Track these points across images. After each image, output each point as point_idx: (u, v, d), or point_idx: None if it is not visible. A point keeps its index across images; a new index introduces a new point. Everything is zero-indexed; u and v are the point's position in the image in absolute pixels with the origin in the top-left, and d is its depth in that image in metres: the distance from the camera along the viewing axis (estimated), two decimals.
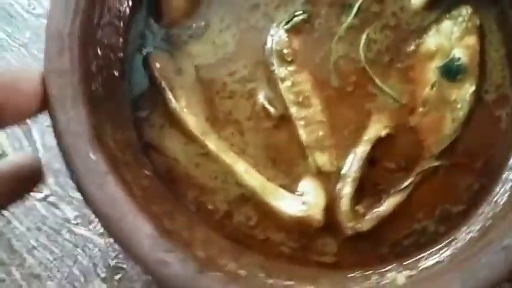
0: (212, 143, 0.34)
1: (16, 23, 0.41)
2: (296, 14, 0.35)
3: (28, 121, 0.39)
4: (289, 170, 0.34)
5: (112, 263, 0.39)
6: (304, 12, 0.35)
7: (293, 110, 0.34)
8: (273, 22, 0.35)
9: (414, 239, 0.33)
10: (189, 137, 0.34)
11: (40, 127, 0.40)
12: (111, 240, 0.32)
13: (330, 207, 0.33)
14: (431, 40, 0.35)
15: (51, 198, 0.39)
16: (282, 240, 0.33)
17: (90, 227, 0.39)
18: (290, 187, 0.34)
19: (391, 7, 0.35)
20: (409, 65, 0.35)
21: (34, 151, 0.40)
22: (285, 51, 0.35)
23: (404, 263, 0.32)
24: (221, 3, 0.36)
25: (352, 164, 0.34)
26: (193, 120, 0.34)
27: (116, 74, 0.33)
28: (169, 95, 0.34)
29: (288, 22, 0.35)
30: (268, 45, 0.35)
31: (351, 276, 0.32)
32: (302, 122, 0.34)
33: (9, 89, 0.27)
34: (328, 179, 0.34)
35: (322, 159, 0.34)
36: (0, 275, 0.39)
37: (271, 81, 0.35)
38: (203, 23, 0.36)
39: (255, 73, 0.35)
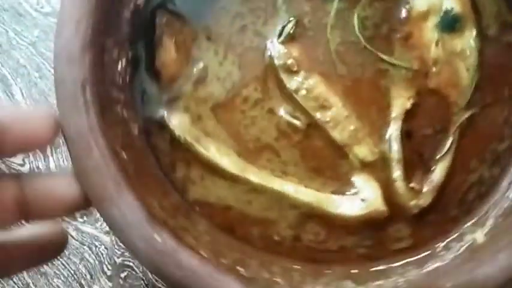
0: (254, 176, 0.34)
1: (25, 21, 0.41)
2: (284, 24, 0.35)
3: None
4: (335, 174, 0.34)
5: (118, 260, 0.39)
6: (290, 19, 0.35)
7: (317, 115, 0.34)
8: (266, 38, 0.35)
9: (475, 191, 0.34)
10: (230, 178, 0.34)
11: None
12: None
13: (388, 195, 0.33)
14: (421, 1, 0.35)
15: None
16: (356, 243, 0.33)
17: (97, 225, 0.39)
18: (342, 190, 0.34)
19: None
20: (407, 32, 0.35)
21: (42, 149, 0.39)
22: (288, 62, 0.34)
23: (476, 219, 0.33)
24: (209, 38, 0.35)
25: (392, 145, 0.34)
26: (227, 161, 0.34)
27: (140, 146, 0.32)
28: (198, 147, 0.34)
29: (280, 35, 0.35)
30: (270, 62, 0.35)
31: (433, 252, 0.32)
32: (331, 124, 0.34)
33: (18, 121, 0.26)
34: (375, 168, 0.34)
35: (362, 151, 0.34)
36: None
37: (286, 95, 0.35)
38: (201, 64, 0.35)
39: (267, 92, 0.35)
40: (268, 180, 0.34)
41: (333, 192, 0.34)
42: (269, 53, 0.35)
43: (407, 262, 0.32)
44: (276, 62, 0.35)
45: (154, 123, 0.34)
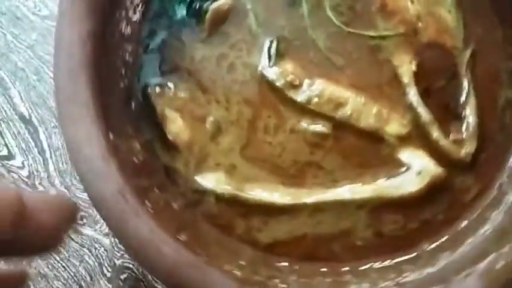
0: (309, 197, 0.33)
1: (22, 25, 0.42)
2: (268, 46, 0.35)
3: (35, 122, 0.40)
4: (380, 160, 0.34)
5: (118, 262, 0.39)
6: (271, 40, 0.35)
7: (338, 114, 0.34)
8: (257, 66, 0.35)
9: (509, 113, 0.34)
10: (290, 210, 0.33)
11: (47, 128, 0.41)
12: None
13: (437, 156, 0.33)
14: None
15: None
16: (433, 213, 0.33)
17: (96, 227, 0.39)
18: (395, 172, 0.34)
19: None
20: (381, 2, 0.35)
21: (41, 152, 0.40)
22: (288, 79, 0.34)
23: None
24: (205, 91, 0.35)
25: (418, 110, 0.34)
26: (278, 195, 0.33)
27: (192, 220, 0.32)
28: (245, 195, 0.33)
29: (269, 58, 0.35)
30: (271, 86, 0.34)
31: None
32: (354, 116, 0.34)
33: None
34: (413, 138, 0.34)
35: (394, 128, 0.34)
36: None
37: (300, 109, 0.34)
38: (211, 118, 0.34)
39: (281, 114, 0.34)
40: (323, 195, 0.33)
41: (388, 178, 0.34)
42: (267, 79, 0.35)
43: (484, 208, 0.33)
44: (277, 83, 0.34)
45: (195, 193, 0.33)
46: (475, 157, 0.34)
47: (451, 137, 0.34)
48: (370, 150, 0.34)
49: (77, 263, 0.39)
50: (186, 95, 0.34)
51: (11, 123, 0.41)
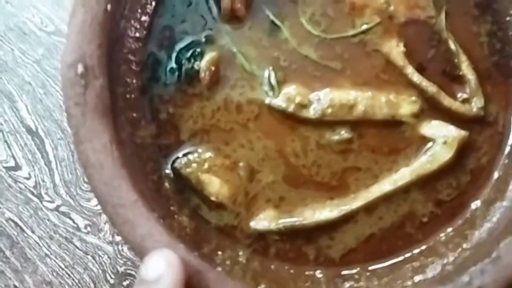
0: (357, 202, 0.35)
1: (29, 40, 0.43)
2: (267, 78, 0.36)
3: (42, 134, 0.42)
4: (406, 142, 0.36)
5: (121, 269, 0.41)
6: (268, 71, 0.36)
7: (353, 115, 0.36)
8: (263, 98, 0.36)
9: (498, 53, 0.37)
10: (346, 220, 0.35)
11: (53, 139, 0.42)
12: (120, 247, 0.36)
13: (455, 121, 0.36)
14: None
15: (62, 208, 0.41)
16: (475, 162, 0.36)
17: (100, 235, 0.41)
18: (423, 149, 0.35)
19: None
20: (349, 2, 0.37)
21: (47, 163, 0.42)
22: (297, 101, 0.36)
23: None
24: (227, 143, 0.35)
25: (422, 86, 0.36)
26: (329, 211, 0.35)
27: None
28: (300, 222, 0.34)
29: (272, 89, 0.36)
30: (283, 112, 0.36)
31: None
32: (369, 112, 0.36)
33: None
34: (427, 111, 0.36)
35: (407, 108, 0.36)
36: (14, 282, 0.41)
37: (318, 123, 0.36)
38: (241, 164, 0.35)
39: (302, 135, 0.36)
40: (367, 194, 0.35)
41: (419, 156, 0.35)
42: (277, 107, 0.36)
43: None
44: (289, 109, 0.36)
45: (256, 239, 0.35)
46: (485, 110, 0.36)
47: (459, 98, 0.36)
48: (394, 136, 0.36)
49: (81, 270, 0.41)
50: (211, 154, 0.35)
51: (18, 135, 0.42)
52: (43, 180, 0.41)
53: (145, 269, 0.27)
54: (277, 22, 0.37)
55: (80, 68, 0.30)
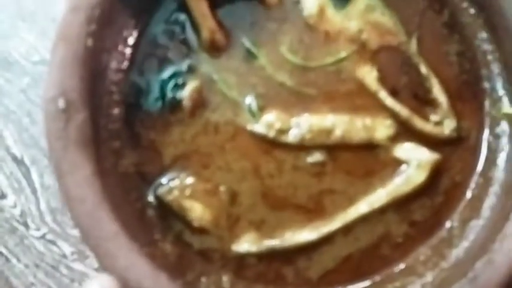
0: (335, 223, 0.36)
1: (15, 69, 0.43)
2: (248, 105, 0.37)
3: (27, 162, 0.42)
4: (381, 164, 0.37)
5: None
6: (248, 98, 0.37)
7: (331, 140, 0.37)
8: (245, 125, 0.37)
9: (468, 76, 0.38)
10: (326, 241, 0.36)
11: (38, 167, 0.43)
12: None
13: (429, 144, 0.37)
14: (310, 3, 0.38)
15: (49, 236, 0.42)
16: (448, 183, 0.37)
17: (86, 262, 0.42)
18: (398, 171, 0.37)
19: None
20: (323, 31, 0.38)
21: (33, 191, 0.42)
22: (277, 127, 0.37)
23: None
24: (206, 165, 0.36)
25: (395, 109, 0.37)
26: (309, 232, 0.36)
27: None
28: (281, 243, 0.35)
29: (254, 117, 0.37)
30: (264, 138, 0.37)
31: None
32: (346, 136, 0.37)
33: None
34: (402, 134, 0.37)
35: (382, 132, 0.37)
36: None
37: (296, 148, 0.37)
38: (222, 189, 0.36)
39: (278, 158, 0.37)
40: (346, 215, 0.36)
41: (394, 178, 0.37)
42: (258, 134, 0.37)
43: (486, 168, 0.37)
44: (270, 135, 0.37)
45: (237, 261, 0.35)
46: (458, 131, 0.37)
47: (431, 120, 0.38)
48: (369, 159, 0.37)
49: None
50: (192, 180, 0.36)
51: (3, 164, 0.42)
52: (29, 209, 0.42)
53: None
54: (254, 50, 0.38)
55: (61, 103, 0.31)
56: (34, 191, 0.42)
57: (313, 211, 0.36)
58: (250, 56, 0.38)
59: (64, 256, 0.41)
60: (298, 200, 0.36)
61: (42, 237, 0.41)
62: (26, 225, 0.41)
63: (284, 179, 0.37)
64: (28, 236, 0.41)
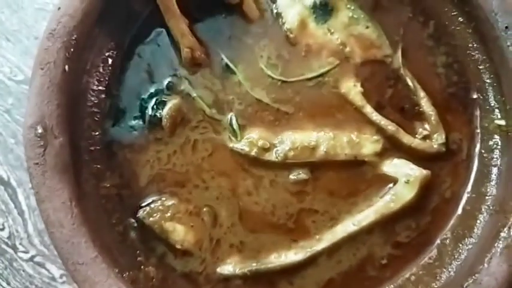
0: (320, 244, 0.35)
1: None
2: (229, 123, 0.37)
3: (14, 184, 0.42)
4: (367, 182, 0.36)
5: None
6: (229, 116, 0.37)
7: (316, 157, 0.36)
8: (226, 143, 0.36)
9: (456, 88, 0.37)
10: (310, 262, 0.35)
11: (25, 189, 0.42)
12: None
13: (417, 159, 0.36)
14: (291, 16, 0.38)
15: (37, 258, 0.41)
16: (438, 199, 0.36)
17: (75, 285, 0.39)
18: (385, 188, 0.36)
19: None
20: (304, 45, 0.38)
21: (20, 213, 0.42)
22: (260, 144, 0.36)
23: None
24: (183, 184, 0.36)
25: (381, 124, 0.36)
26: (293, 253, 0.35)
27: None
28: (266, 265, 0.35)
29: (235, 134, 0.37)
30: (246, 156, 0.36)
31: None
32: (331, 153, 0.36)
33: None
34: (389, 150, 0.36)
35: (369, 148, 0.36)
36: None
37: (278, 166, 0.36)
38: (205, 209, 0.36)
39: (256, 174, 0.36)
40: (330, 236, 0.35)
41: (381, 196, 0.36)
42: (239, 152, 0.36)
43: (477, 181, 0.36)
44: (252, 153, 0.36)
45: (221, 284, 0.35)
46: (447, 141, 0.36)
47: (419, 135, 0.36)
48: (354, 178, 0.36)
49: None
50: (172, 200, 0.36)
51: None
52: (17, 231, 0.41)
53: None
54: (231, 66, 0.38)
55: (39, 129, 0.31)
56: (21, 213, 0.42)
57: (295, 231, 0.36)
58: (227, 71, 0.38)
59: (53, 279, 0.41)
60: (276, 220, 0.36)
61: (31, 259, 0.41)
62: (14, 247, 0.41)
63: (261, 196, 0.36)
64: (17, 259, 0.41)
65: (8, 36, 0.43)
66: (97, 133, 0.36)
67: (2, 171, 0.42)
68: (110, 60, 0.37)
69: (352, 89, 0.37)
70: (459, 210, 0.36)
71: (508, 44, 0.34)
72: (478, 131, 0.37)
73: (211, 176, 0.36)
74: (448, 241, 0.35)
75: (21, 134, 0.42)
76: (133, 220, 0.35)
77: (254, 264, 0.35)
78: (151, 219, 0.35)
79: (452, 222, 0.36)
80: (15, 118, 0.43)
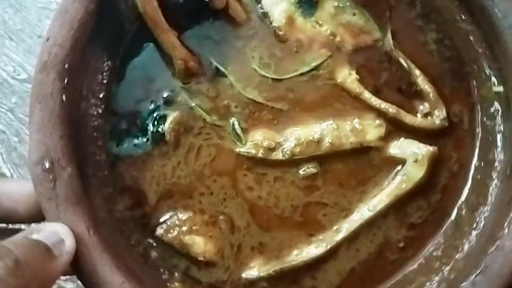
0: (339, 234, 0.35)
1: (2, 88, 0.44)
2: (232, 128, 0.37)
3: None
4: (375, 168, 0.36)
5: None
6: (231, 121, 0.37)
7: (322, 150, 0.36)
8: (234, 148, 0.36)
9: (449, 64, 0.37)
10: (330, 254, 0.35)
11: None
12: None
13: (422, 137, 0.36)
14: (277, 15, 0.38)
15: None
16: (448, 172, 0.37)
17: (78, 282, 0.41)
18: (394, 172, 0.36)
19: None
20: (295, 40, 0.38)
21: None
22: (265, 145, 0.36)
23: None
24: (190, 195, 0.36)
25: (382, 107, 0.36)
26: (314, 247, 0.35)
27: None
28: (288, 264, 0.35)
29: (239, 139, 0.37)
30: (254, 158, 0.36)
31: None
32: (337, 144, 0.36)
33: None
34: (393, 132, 0.36)
35: (373, 133, 0.36)
36: None
37: (286, 163, 0.36)
38: (221, 217, 0.36)
39: (258, 171, 0.36)
40: (347, 225, 0.36)
41: (392, 179, 0.36)
42: (246, 154, 0.36)
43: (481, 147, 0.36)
44: (259, 155, 0.36)
45: None
46: (449, 118, 0.36)
47: (420, 113, 0.37)
48: (362, 165, 0.36)
49: None
50: (187, 214, 0.36)
51: None
52: (20, 229, 0.41)
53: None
54: (222, 68, 0.37)
55: (46, 164, 0.31)
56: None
57: (308, 226, 0.36)
58: (218, 75, 0.38)
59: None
60: (280, 212, 0.36)
61: None
62: None
63: (263, 189, 0.36)
64: None
65: (11, 35, 0.44)
66: (102, 157, 0.36)
67: (6, 169, 0.43)
68: (105, 83, 0.37)
69: (347, 77, 0.37)
70: (469, 181, 0.36)
71: (496, 11, 0.34)
72: (477, 100, 0.37)
73: (213, 180, 0.36)
74: (463, 212, 0.36)
75: (24, 133, 0.43)
76: (151, 240, 0.35)
77: (278, 264, 0.35)
78: (169, 235, 0.35)
79: (464, 193, 0.36)
80: (19, 117, 0.44)
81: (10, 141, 0.43)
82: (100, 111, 0.37)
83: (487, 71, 0.37)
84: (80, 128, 0.35)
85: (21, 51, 0.43)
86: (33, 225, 0.30)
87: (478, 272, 0.31)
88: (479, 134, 0.37)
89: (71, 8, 0.33)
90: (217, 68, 0.38)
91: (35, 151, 0.31)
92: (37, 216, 0.31)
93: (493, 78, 0.36)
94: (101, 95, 0.37)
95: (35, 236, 0.28)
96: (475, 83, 0.37)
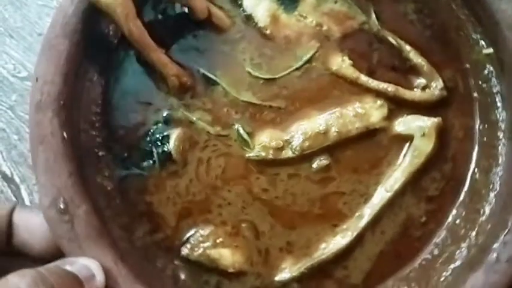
0: (363, 219, 0.35)
1: (2, 86, 0.43)
2: (238, 133, 0.36)
3: (17, 180, 0.42)
4: (386, 149, 0.36)
5: None
6: (236, 127, 0.37)
7: (330, 140, 0.36)
8: (243, 154, 0.36)
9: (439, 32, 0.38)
10: (352, 247, 0.35)
11: (28, 185, 0.42)
12: None
13: (423, 110, 0.36)
14: (260, 13, 0.38)
15: None
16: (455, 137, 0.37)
17: None
18: (404, 147, 0.36)
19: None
20: (283, 37, 0.38)
21: None
22: (273, 145, 0.36)
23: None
24: (208, 210, 0.35)
25: (380, 88, 0.37)
26: (340, 237, 0.35)
27: None
28: (315, 261, 0.35)
29: (247, 145, 0.36)
30: (263, 160, 0.36)
31: None
32: (343, 131, 0.36)
33: None
34: (396, 110, 0.37)
35: (377, 115, 0.37)
36: None
37: (298, 160, 0.36)
38: (244, 225, 0.36)
39: (270, 172, 0.36)
40: (369, 210, 0.36)
41: (404, 156, 0.36)
42: (256, 158, 0.36)
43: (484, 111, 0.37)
44: (269, 156, 0.36)
45: None
46: (447, 88, 0.37)
47: (418, 87, 0.37)
48: (372, 148, 0.37)
49: None
50: (208, 228, 0.35)
51: None
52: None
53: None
54: (213, 77, 0.37)
55: (60, 205, 0.30)
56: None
57: (331, 217, 0.36)
58: (212, 85, 0.37)
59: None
60: (299, 208, 0.36)
61: None
62: None
63: (278, 189, 0.36)
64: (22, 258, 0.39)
65: (11, 33, 0.43)
66: (111, 187, 0.35)
67: (6, 167, 0.42)
68: (101, 112, 0.36)
69: (341, 64, 0.37)
70: (476, 145, 0.37)
71: None
72: (469, 64, 0.37)
73: (228, 190, 0.36)
74: (477, 176, 0.36)
75: (24, 131, 0.43)
76: (178, 261, 0.35)
77: (308, 261, 0.35)
78: (195, 253, 0.35)
79: (474, 158, 0.37)
80: (19, 115, 0.43)
81: (10, 139, 0.42)
82: (101, 141, 0.36)
83: (474, 36, 0.37)
84: (84, 162, 0.34)
85: (21, 49, 0.43)
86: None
87: (507, 231, 0.32)
88: (478, 98, 0.37)
89: (55, 42, 0.33)
90: (208, 78, 0.37)
91: (45, 194, 0.31)
92: (52, 257, 0.31)
93: (481, 42, 0.37)
94: (99, 126, 0.36)
95: (68, 268, 0.28)
96: (463, 48, 0.37)
